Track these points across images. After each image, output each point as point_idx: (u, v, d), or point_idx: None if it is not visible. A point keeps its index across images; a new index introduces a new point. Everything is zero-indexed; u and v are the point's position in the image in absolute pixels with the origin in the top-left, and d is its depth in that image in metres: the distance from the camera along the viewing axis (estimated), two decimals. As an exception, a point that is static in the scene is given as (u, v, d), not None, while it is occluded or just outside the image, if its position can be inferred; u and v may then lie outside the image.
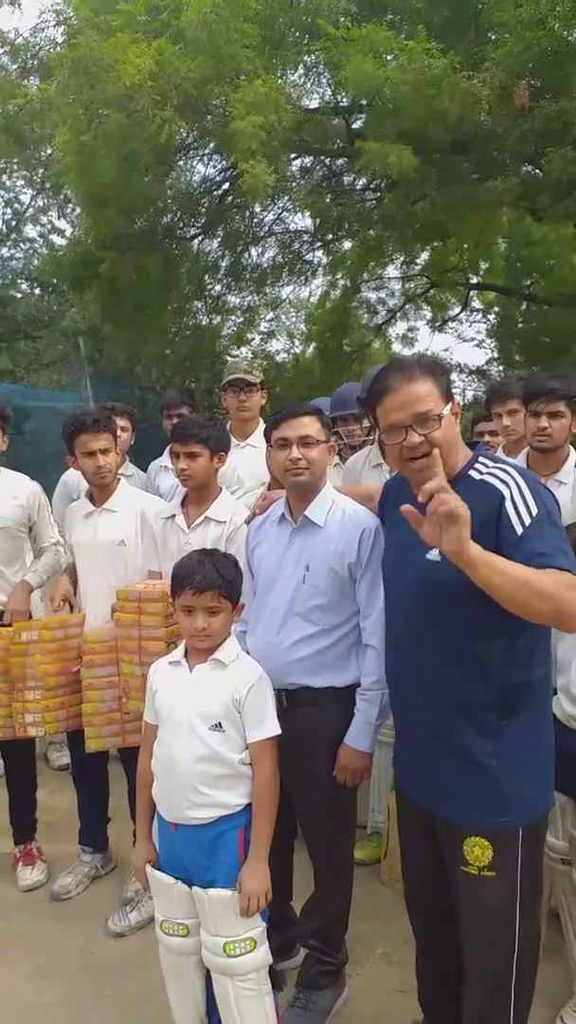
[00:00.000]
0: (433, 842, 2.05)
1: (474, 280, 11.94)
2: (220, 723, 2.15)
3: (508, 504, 1.80)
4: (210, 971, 2.19)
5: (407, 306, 12.65)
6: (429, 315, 13.30)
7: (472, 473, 1.92)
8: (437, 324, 13.39)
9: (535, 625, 1.79)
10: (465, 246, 10.33)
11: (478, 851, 1.90)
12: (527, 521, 1.77)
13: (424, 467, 1.84)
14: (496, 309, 12.70)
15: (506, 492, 1.82)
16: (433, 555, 1.77)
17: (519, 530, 1.76)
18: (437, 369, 1.95)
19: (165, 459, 4.15)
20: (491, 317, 13.27)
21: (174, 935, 2.22)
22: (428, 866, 2.11)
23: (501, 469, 1.90)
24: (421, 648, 1.96)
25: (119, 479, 3.33)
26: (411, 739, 2.11)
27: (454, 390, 2.08)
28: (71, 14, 7.78)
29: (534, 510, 1.78)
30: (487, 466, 1.92)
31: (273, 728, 2.21)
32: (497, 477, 1.87)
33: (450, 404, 1.91)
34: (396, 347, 14.26)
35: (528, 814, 1.92)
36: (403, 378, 1.90)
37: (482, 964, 1.96)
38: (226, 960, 2.12)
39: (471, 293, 12.35)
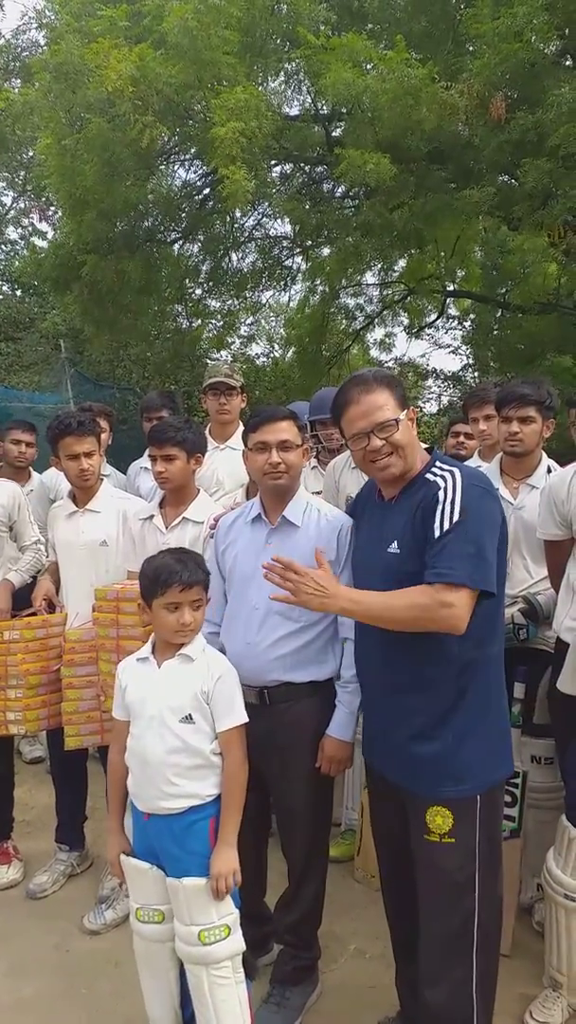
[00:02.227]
0: (401, 810, 2.17)
1: (450, 287, 12.01)
2: (190, 715, 2.21)
3: (439, 505, 1.97)
4: (184, 963, 2.23)
5: (385, 312, 12.68)
6: (406, 321, 13.34)
7: (428, 476, 2.10)
8: (414, 330, 13.44)
9: (485, 607, 1.99)
10: (442, 254, 10.39)
11: (439, 820, 2.04)
12: (446, 526, 1.94)
13: (386, 466, 2.09)
14: (472, 316, 12.78)
15: (440, 495, 1.99)
16: (393, 548, 2.08)
17: (437, 533, 1.95)
18: (392, 381, 2.15)
19: (145, 460, 4.16)
20: (467, 324, 13.35)
21: (149, 922, 2.26)
22: (397, 834, 2.21)
23: (448, 471, 2.06)
24: (384, 633, 2.08)
25: (102, 480, 3.35)
26: (377, 717, 2.26)
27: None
28: (53, 17, 7.78)
29: (456, 516, 1.95)
30: (441, 468, 2.09)
31: (241, 717, 2.26)
32: (442, 477, 2.04)
33: (406, 411, 2.10)
34: (374, 352, 14.31)
35: (484, 782, 2.07)
36: (362, 391, 2.11)
37: (441, 927, 2.07)
38: (200, 948, 2.15)
39: (447, 300, 12.41)
